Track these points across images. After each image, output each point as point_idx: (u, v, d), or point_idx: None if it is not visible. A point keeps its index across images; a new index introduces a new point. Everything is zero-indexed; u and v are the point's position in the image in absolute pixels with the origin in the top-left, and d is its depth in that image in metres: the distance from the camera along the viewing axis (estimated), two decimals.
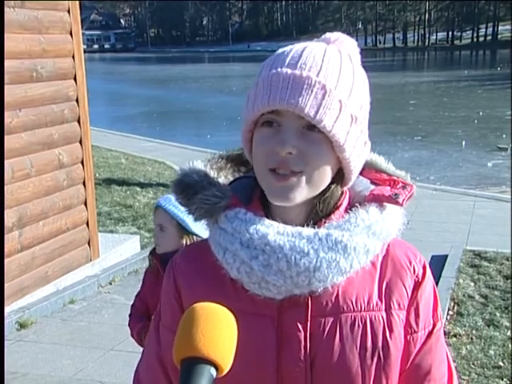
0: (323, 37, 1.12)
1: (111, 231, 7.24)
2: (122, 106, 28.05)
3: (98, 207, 7.11)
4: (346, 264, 1.06)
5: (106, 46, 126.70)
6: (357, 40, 1.19)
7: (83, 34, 6.34)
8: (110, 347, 4.63)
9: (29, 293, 5.21)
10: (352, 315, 1.09)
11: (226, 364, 0.88)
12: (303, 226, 1.08)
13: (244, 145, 1.12)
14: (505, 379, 4.05)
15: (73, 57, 5.58)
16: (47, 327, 5.00)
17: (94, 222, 6.02)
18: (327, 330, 1.08)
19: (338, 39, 1.10)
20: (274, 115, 1.04)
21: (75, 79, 5.61)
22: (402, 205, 1.12)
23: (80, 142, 5.73)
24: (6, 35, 4.76)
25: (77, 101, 5.65)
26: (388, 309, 1.11)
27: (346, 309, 1.09)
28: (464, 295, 5.30)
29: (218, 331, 0.88)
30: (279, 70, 1.04)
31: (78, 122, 5.69)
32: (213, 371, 0.86)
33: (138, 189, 9.43)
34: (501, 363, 4.23)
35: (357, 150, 1.07)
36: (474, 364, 4.22)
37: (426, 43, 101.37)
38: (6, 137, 4.82)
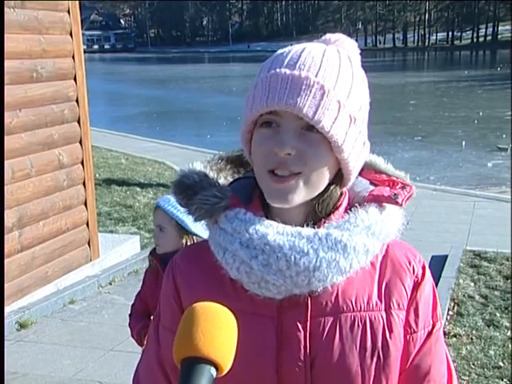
0: (323, 38, 1.12)
1: (111, 231, 7.24)
2: (122, 106, 28.05)
3: (98, 207, 7.11)
4: (346, 264, 1.06)
5: (106, 47, 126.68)
6: (357, 40, 1.19)
7: (83, 34, 6.34)
8: (110, 347, 4.63)
9: (29, 293, 5.21)
10: (352, 315, 1.09)
11: (226, 364, 0.88)
12: (303, 226, 1.08)
13: (244, 146, 1.12)
14: (505, 379, 4.05)
15: (73, 57, 5.58)
16: (47, 327, 5.00)
17: (94, 223, 6.02)
18: (327, 329, 1.08)
19: (339, 40, 1.10)
20: (273, 116, 1.04)
21: (75, 79, 5.62)
22: (401, 205, 1.12)
23: (80, 143, 5.74)
24: (6, 35, 4.76)
25: (77, 101, 5.65)
26: (388, 309, 1.11)
27: (345, 309, 1.09)
28: (464, 295, 5.30)
29: (218, 331, 0.88)
30: (278, 70, 1.04)
31: (78, 122, 5.69)
32: (213, 371, 0.86)
33: (138, 189, 9.43)
34: (501, 363, 4.23)
35: (355, 150, 1.07)
36: (474, 364, 4.22)
37: (426, 43, 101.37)
38: (6, 137, 4.82)
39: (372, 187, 1.15)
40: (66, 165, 5.56)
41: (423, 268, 1.16)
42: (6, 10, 4.79)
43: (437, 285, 5.34)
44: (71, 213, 5.68)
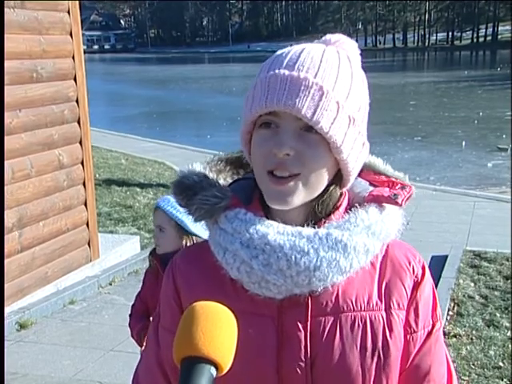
0: (323, 38, 1.12)
1: (111, 232, 7.24)
2: (122, 107, 28.06)
3: (97, 208, 7.11)
4: (346, 263, 1.06)
5: (106, 47, 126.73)
6: (357, 40, 1.19)
7: (83, 34, 6.34)
8: (110, 348, 4.63)
9: (29, 293, 5.21)
10: (352, 315, 1.09)
11: (226, 363, 0.88)
12: (303, 227, 1.08)
13: (243, 146, 1.13)
14: (505, 379, 4.05)
15: (73, 57, 5.58)
16: (47, 328, 5.00)
17: (94, 223, 6.02)
18: (327, 329, 1.09)
19: (338, 41, 1.10)
20: (272, 116, 1.04)
21: (75, 80, 5.62)
22: (401, 205, 1.12)
23: (80, 143, 5.74)
24: (6, 36, 4.76)
25: (77, 101, 5.65)
26: (388, 309, 1.11)
27: (346, 308, 1.09)
28: (464, 296, 5.30)
29: (218, 330, 0.88)
30: (277, 71, 1.04)
31: (78, 122, 5.69)
32: (213, 370, 0.87)
33: (138, 189, 9.43)
34: (501, 364, 4.23)
35: (355, 151, 1.07)
36: (474, 364, 4.22)
37: (426, 44, 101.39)
38: (6, 137, 4.82)
39: (371, 188, 1.16)
40: (66, 165, 5.56)
41: (423, 268, 1.17)
42: (5, 10, 4.79)
43: (437, 285, 5.33)
44: (71, 213, 5.68)
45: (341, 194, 1.13)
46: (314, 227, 1.08)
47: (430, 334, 1.15)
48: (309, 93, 1.01)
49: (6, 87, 4.79)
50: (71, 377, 4.26)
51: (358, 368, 1.08)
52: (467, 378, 4.06)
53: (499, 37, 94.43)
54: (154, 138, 15.86)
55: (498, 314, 4.95)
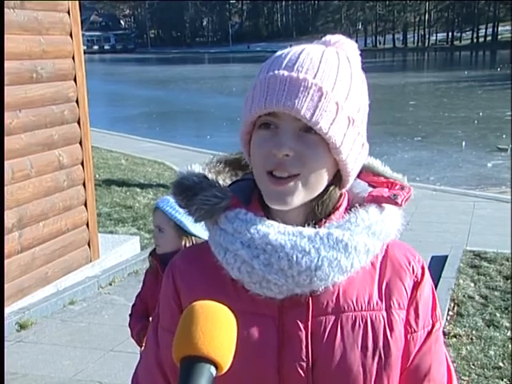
0: (323, 39, 1.12)
1: (111, 232, 7.24)
2: (121, 107, 28.06)
3: (97, 208, 7.11)
4: (347, 263, 1.07)
5: (106, 47, 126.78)
6: (357, 41, 1.19)
7: (83, 35, 6.34)
8: (110, 348, 4.63)
9: (29, 293, 5.21)
10: (353, 314, 1.10)
11: (226, 362, 0.88)
12: (303, 227, 1.09)
13: (243, 147, 1.13)
14: (505, 380, 4.05)
15: (73, 58, 5.58)
16: (47, 328, 5.00)
17: (93, 223, 6.02)
18: (328, 329, 1.09)
19: (338, 41, 1.10)
20: (271, 117, 1.04)
21: (75, 80, 5.62)
22: (400, 205, 1.13)
23: (80, 143, 5.74)
24: (5, 36, 4.76)
25: (77, 102, 5.65)
26: (388, 308, 1.11)
27: (346, 308, 1.10)
28: (464, 296, 5.30)
29: (217, 329, 0.88)
30: (276, 72, 1.04)
31: (78, 122, 5.69)
32: (212, 370, 0.87)
33: (138, 190, 9.43)
34: (501, 364, 4.23)
35: (354, 152, 1.08)
36: (474, 364, 4.22)
37: (426, 44, 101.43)
38: (5, 138, 4.82)
39: (371, 189, 1.16)
40: (65, 165, 5.56)
41: (422, 268, 1.17)
42: (5, 10, 4.79)
43: (437, 285, 5.34)
44: (71, 213, 5.68)
45: (340, 195, 1.14)
46: (315, 227, 1.08)
47: (429, 333, 1.16)
48: (308, 93, 1.01)
49: (5, 87, 4.79)
50: (71, 377, 4.26)
51: (359, 368, 1.08)
52: (467, 378, 4.06)
53: (499, 37, 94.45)
54: (153, 138, 15.87)
55: (498, 314, 4.95)
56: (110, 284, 5.86)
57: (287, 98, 1.01)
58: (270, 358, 1.08)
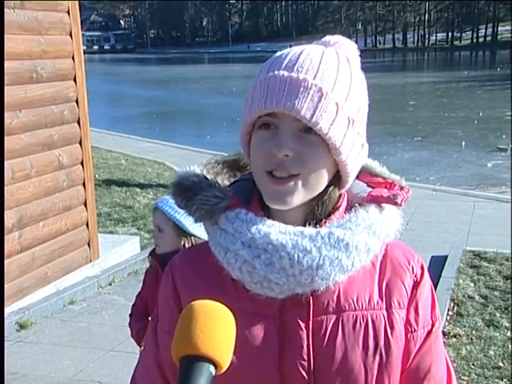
0: (323, 40, 1.12)
1: (111, 232, 7.24)
2: (121, 107, 28.06)
3: (97, 208, 7.12)
4: (348, 262, 1.07)
5: (106, 47, 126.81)
6: (356, 41, 1.20)
7: (83, 35, 6.34)
8: (110, 348, 4.63)
9: (29, 293, 5.21)
10: (353, 314, 1.10)
11: (225, 361, 0.89)
12: (304, 226, 1.09)
13: (242, 147, 1.13)
14: (505, 380, 4.05)
15: (72, 58, 5.58)
16: (47, 328, 5.00)
17: (93, 223, 6.02)
18: (329, 328, 1.09)
19: (338, 42, 1.11)
20: (271, 118, 1.04)
21: (75, 80, 5.62)
22: (400, 205, 1.13)
23: (80, 143, 5.74)
24: (5, 36, 4.76)
25: (76, 102, 5.65)
26: (389, 308, 1.12)
27: (347, 307, 1.10)
28: (464, 296, 5.30)
29: (216, 329, 0.88)
30: (276, 72, 1.04)
31: (78, 122, 5.69)
32: (212, 369, 0.87)
33: (138, 190, 9.43)
34: (501, 364, 4.23)
35: (354, 152, 1.08)
36: (473, 364, 4.22)
37: (426, 44, 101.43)
38: (6, 138, 4.82)
39: (370, 189, 1.16)
40: (65, 165, 5.56)
41: (422, 268, 1.18)
42: (5, 10, 4.79)
43: (437, 285, 5.34)
44: (71, 213, 5.68)
45: (340, 195, 1.14)
46: (316, 227, 1.08)
47: (429, 333, 1.16)
48: (308, 94, 1.01)
49: (5, 87, 4.80)
50: (71, 377, 4.27)
51: (361, 367, 1.08)
52: (467, 378, 4.06)
53: (499, 37, 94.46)
54: (153, 138, 15.87)
55: (498, 314, 4.96)
56: (110, 284, 5.86)
57: (287, 98, 1.01)
58: (271, 358, 1.09)
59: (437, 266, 5.89)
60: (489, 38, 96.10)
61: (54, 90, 5.37)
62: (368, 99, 1.11)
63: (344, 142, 1.05)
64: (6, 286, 4.81)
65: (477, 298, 5.29)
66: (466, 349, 4.41)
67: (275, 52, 1.12)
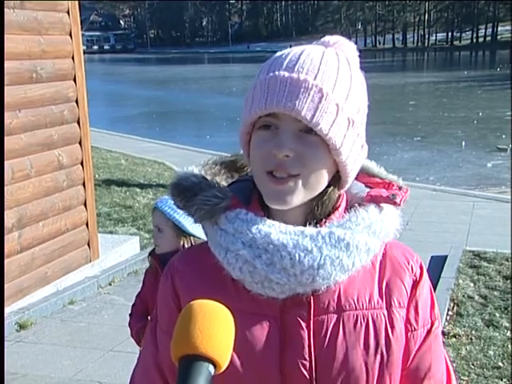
0: (322, 40, 1.12)
1: (111, 232, 7.24)
2: (121, 107, 28.06)
3: (97, 208, 7.12)
4: (349, 262, 1.07)
5: (106, 47, 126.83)
6: (356, 41, 1.20)
7: (83, 34, 6.34)
8: (110, 348, 4.63)
9: (28, 293, 5.21)
10: (354, 313, 1.10)
11: (224, 361, 0.89)
12: (304, 226, 1.09)
13: (242, 147, 1.13)
14: (504, 379, 4.05)
15: (72, 58, 5.58)
16: (47, 328, 5.00)
17: (93, 223, 6.02)
18: (330, 328, 1.09)
19: (337, 42, 1.11)
20: (272, 118, 1.04)
21: (75, 80, 5.62)
22: (399, 205, 1.14)
23: (80, 143, 5.74)
24: (5, 36, 4.76)
25: (76, 102, 5.65)
26: (389, 307, 1.12)
27: (348, 307, 1.10)
28: (463, 296, 5.30)
29: (215, 328, 0.88)
30: (277, 73, 1.04)
31: (78, 122, 5.69)
32: (211, 368, 0.87)
33: (138, 190, 9.43)
34: (500, 364, 4.24)
35: (353, 153, 1.08)
36: (473, 364, 4.23)
37: (426, 44, 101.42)
38: (5, 138, 4.83)
39: (368, 189, 1.17)
40: (65, 165, 5.56)
41: (421, 268, 1.18)
42: (5, 10, 4.79)
43: (436, 285, 5.34)
44: (71, 213, 5.68)
45: (339, 196, 1.14)
46: (316, 227, 1.09)
47: (429, 332, 1.17)
48: (308, 95, 1.02)
49: (5, 87, 4.79)
50: (71, 377, 4.27)
51: (362, 366, 1.09)
52: (467, 378, 4.06)
53: (499, 37, 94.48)
54: (153, 138, 15.87)
55: (498, 314, 4.96)
56: (110, 284, 5.86)
57: (288, 98, 1.01)
58: (272, 358, 1.09)
59: (436, 266, 5.89)
60: (488, 38, 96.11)
61: (54, 90, 5.37)
62: (367, 100, 1.11)
63: (344, 143, 1.05)
64: (5, 286, 4.81)
65: (476, 297, 5.29)
66: (466, 349, 4.42)
67: (275, 52, 1.12)
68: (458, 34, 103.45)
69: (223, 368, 0.89)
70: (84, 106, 5.74)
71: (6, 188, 4.87)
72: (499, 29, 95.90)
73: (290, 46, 1.13)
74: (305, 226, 1.09)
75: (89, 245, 5.94)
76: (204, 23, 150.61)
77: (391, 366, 1.11)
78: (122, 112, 25.91)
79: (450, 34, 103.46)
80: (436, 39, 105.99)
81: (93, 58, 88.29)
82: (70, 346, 4.69)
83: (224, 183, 1.18)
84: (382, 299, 1.12)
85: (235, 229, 1.09)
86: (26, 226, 5.13)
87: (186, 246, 2.68)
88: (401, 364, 1.13)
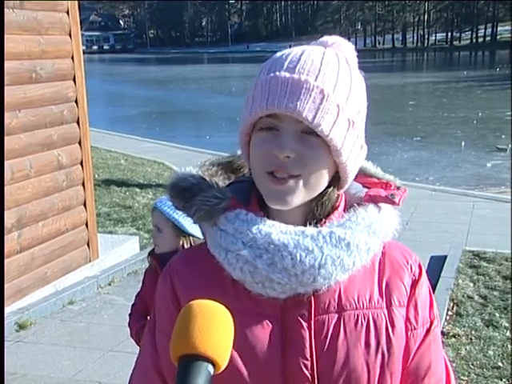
0: (320, 40, 1.12)
1: (110, 232, 7.24)
2: (121, 107, 28.06)
3: (97, 208, 7.11)
4: (349, 261, 1.08)
5: (106, 47, 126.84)
6: (356, 41, 1.20)
7: (82, 34, 6.34)
8: (110, 348, 4.63)
9: (28, 294, 5.21)
10: (355, 313, 1.11)
11: (224, 361, 0.89)
12: (304, 226, 1.09)
13: (241, 147, 1.13)
14: (504, 379, 4.05)
15: (72, 58, 5.58)
16: (46, 328, 5.00)
17: (93, 223, 6.02)
18: (331, 328, 1.10)
19: (336, 43, 1.11)
20: (272, 119, 1.04)
21: (74, 80, 5.62)
22: (398, 204, 1.14)
23: (79, 143, 5.74)
24: (5, 36, 4.76)
25: (76, 102, 5.65)
26: (389, 306, 1.13)
27: (348, 306, 1.11)
28: (463, 296, 5.30)
29: (215, 328, 0.88)
30: (278, 73, 1.04)
31: (78, 122, 5.69)
32: (210, 368, 0.87)
33: (138, 190, 9.43)
34: (500, 363, 4.24)
35: (353, 154, 1.09)
36: (473, 364, 4.23)
37: (425, 44, 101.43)
38: (5, 138, 4.82)
39: (366, 189, 1.17)
40: (65, 165, 5.56)
41: (419, 267, 1.19)
42: (5, 10, 4.78)
43: (436, 285, 5.34)
44: (70, 213, 5.68)
45: (338, 196, 1.14)
46: (316, 227, 1.09)
47: (428, 331, 1.17)
48: (310, 96, 1.02)
49: (5, 87, 4.79)
50: (70, 377, 4.26)
51: (363, 365, 1.09)
52: (466, 378, 4.06)
53: (498, 37, 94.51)
54: (153, 138, 15.86)
55: (497, 314, 4.96)
56: (110, 284, 5.86)
57: (289, 99, 1.01)
58: (273, 358, 1.09)
59: (436, 265, 5.90)
60: (488, 38, 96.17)
61: (54, 90, 5.37)
62: (367, 100, 1.12)
63: (345, 144, 1.05)
64: (5, 286, 4.81)
65: (476, 297, 5.29)
66: (466, 349, 4.42)
67: (275, 52, 1.12)
68: (458, 34, 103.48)
69: (222, 368, 0.89)
70: (84, 106, 5.74)
71: (5, 188, 4.86)
72: (499, 29, 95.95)
73: (290, 46, 1.13)
74: (304, 226, 1.09)
75: (88, 245, 5.94)
76: (203, 23, 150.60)
77: (392, 365, 1.11)
78: (121, 112, 25.91)
79: (449, 34, 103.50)
80: (435, 39, 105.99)
81: (92, 58, 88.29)
82: (69, 346, 4.68)
83: (221, 184, 1.18)
84: (382, 298, 1.13)
85: (235, 229, 1.09)
86: (25, 226, 5.13)
87: (186, 245, 2.69)
88: (401, 363, 1.13)
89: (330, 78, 1.04)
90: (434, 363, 1.18)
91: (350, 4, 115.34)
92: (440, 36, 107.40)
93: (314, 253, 1.05)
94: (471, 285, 5.57)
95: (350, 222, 1.10)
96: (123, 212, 8.17)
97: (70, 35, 5.55)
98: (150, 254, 2.91)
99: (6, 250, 4.88)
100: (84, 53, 6.08)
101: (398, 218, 1.16)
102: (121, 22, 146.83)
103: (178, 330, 0.89)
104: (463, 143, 15.41)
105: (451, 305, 5.13)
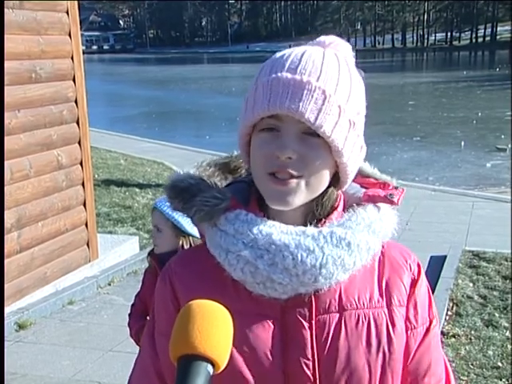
0: (317, 40, 1.12)
1: (110, 232, 7.24)
2: (121, 107, 28.06)
3: (96, 208, 7.11)
4: (350, 261, 1.08)
5: (105, 47, 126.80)
6: (355, 41, 1.20)
7: (82, 34, 6.34)
8: (109, 348, 4.63)
9: (28, 294, 5.21)
10: (355, 312, 1.11)
11: (223, 361, 0.89)
12: (304, 227, 1.09)
13: (241, 148, 1.13)
14: (503, 379, 4.05)
15: (72, 58, 5.58)
16: (46, 328, 5.00)
17: (92, 223, 6.02)
18: (332, 327, 1.10)
19: (333, 43, 1.11)
20: (274, 120, 1.04)
21: (74, 80, 5.62)
22: (397, 204, 1.14)
23: (79, 143, 5.74)
24: (5, 36, 4.76)
25: (76, 102, 5.65)
26: (389, 305, 1.13)
27: (349, 306, 1.11)
28: (463, 296, 5.30)
29: (214, 328, 0.88)
30: (279, 74, 1.04)
31: (77, 123, 5.69)
32: (210, 368, 0.87)
33: (137, 190, 9.43)
34: (499, 363, 4.24)
35: (354, 154, 1.09)
36: (472, 364, 4.23)
37: (425, 44, 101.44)
38: (5, 138, 4.82)
39: (364, 189, 1.17)
40: (64, 165, 5.56)
41: (418, 266, 1.20)
42: (5, 10, 4.78)
43: (435, 285, 5.34)
44: (70, 213, 5.68)
45: (337, 196, 1.15)
46: (317, 227, 1.09)
47: (428, 330, 1.18)
48: (312, 97, 1.02)
49: (5, 87, 4.79)
50: (70, 377, 4.26)
51: (364, 364, 1.09)
52: (466, 378, 4.06)
53: (498, 37, 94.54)
54: (153, 138, 15.86)
55: (497, 314, 4.96)
56: (109, 284, 5.86)
57: (291, 100, 1.01)
58: (274, 359, 1.09)
59: (436, 265, 5.90)
60: (488, 38, 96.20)
61: (53, 90, 5.37)
62: (366, 100, 1.12)
63: (346, 145, 1.06)
64: (5, 286, 4.81)
65: (476, 297, 5.29)
66: (465, 349, 4.42)
67: (274, 52, 1.12)
68: (458, 34, 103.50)
69: (222, 368, 0.89)
70: (83, 106, 5.74)
71: (5, 188, 4.86)
72: (498, 29, 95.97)
73: (290, 46, 1.13)
74: (304, 226, 1.09)
75: (88, 245, 5.94)
76: (203, 23, 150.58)
77: (393, 364, 1.11)
78: (121, 112, 25.91)
79: (449, 34, 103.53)
80: (435, 39, 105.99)
81: (92, 58, 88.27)
82: (69, 346, 4.68)
83: (219, 185, 1.18)
84: (383, 298, 1.13)
85: (236, 230, 1.08)
86: (25, 226, 5.13)
87: (185, 246, 2.69)
88: (402, 362, 1.14)
89: (332, 78, 1.04)
90: (434, 362, 1.18)
91: (349, 4, 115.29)
92: (440, 36, 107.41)
93: (315, 253, 1.05)
94: (471, 285, 5.57)
95: (350, 222, 1.10)
96: (123, 212, 8.17)
97: (69, 35, 5.55)
98: (149, 254, 2.91)
99: (5, 250, 4.88)
100: (84, 53, 6.08)
101: (396, 218, 1.17)
102: (120, 22, 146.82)
103: (177, 330, 0.89)
104: (463, 143, 15.42)
105: (451, 305, 5.14)
